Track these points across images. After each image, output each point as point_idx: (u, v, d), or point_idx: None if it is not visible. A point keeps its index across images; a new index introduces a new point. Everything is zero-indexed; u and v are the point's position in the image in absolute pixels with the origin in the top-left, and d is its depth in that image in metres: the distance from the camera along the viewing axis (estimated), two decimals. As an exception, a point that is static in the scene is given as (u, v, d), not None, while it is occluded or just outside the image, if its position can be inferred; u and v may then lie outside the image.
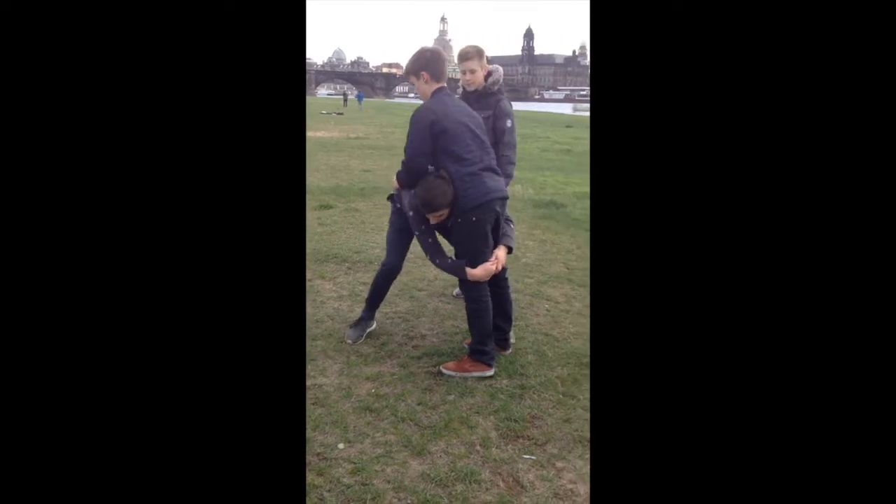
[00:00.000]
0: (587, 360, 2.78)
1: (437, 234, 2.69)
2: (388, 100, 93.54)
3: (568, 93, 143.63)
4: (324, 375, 2.61)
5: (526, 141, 14.25)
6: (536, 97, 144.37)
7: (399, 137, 14.07)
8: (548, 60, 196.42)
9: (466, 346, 2.84)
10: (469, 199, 2.47)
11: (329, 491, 1.85)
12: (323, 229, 5.26)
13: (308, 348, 2.84)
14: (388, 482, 1.90)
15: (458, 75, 3.39)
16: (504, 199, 2.61)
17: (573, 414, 2.35)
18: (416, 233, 2.65)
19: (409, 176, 2.58)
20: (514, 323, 2.93)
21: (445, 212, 2.53)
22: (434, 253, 2.62)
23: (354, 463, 1.99)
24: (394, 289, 3.73)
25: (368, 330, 3.04)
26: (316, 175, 8.55)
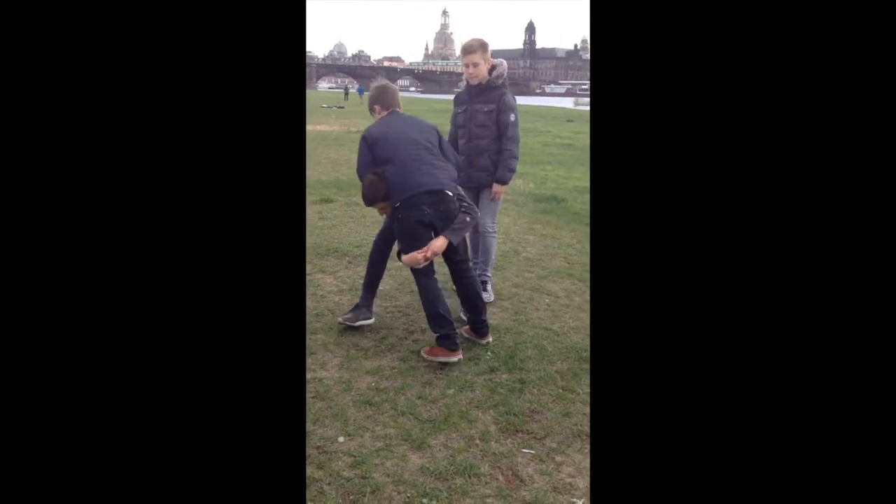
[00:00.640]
0: (587, 354, 2.79)
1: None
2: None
3: (569, 87, 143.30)
4: (324, 369, 2.62)
5: (527, 135, 14.20)
6: (538, 91, 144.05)
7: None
8: (549, 54, 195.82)
9: (465, 333, 2.94)
10: (395, 195, 2.70)
11: (329, 484, 1.85)
12: (323, 223, 5.26)
13: (308, 342, 2.85)
14: (388, 475, 1.91)
15: (462, 69, 3.40)
16: (434, 192, 2.67)
17: (572, 408, 2.35)
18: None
19: (362, 184, 2.85)
20: (483, 312, 2.91)
21: (384, 204, 2.81)
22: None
23: (354, 456, 2.00)
24: (394, 283, 3.75)
25: (365, 322, 3.05)
26: (317, 169, 8.55)
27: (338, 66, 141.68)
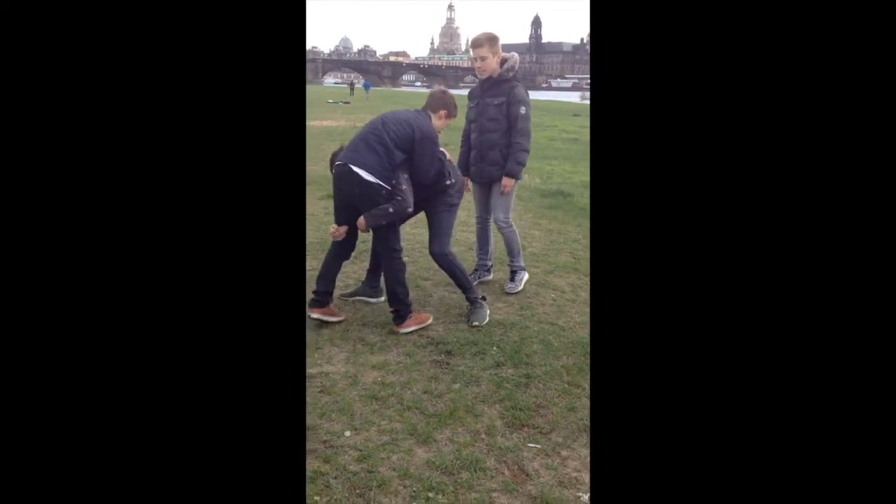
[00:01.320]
0: (593, 349, 2.78)
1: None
2: (394, 88, 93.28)
3: (576, 81, 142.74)
4: (330, 363, 2.63)
5: (533, 129, 14.14)
6: (544, 85, 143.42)
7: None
8: (556, 49, 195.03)
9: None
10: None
11: (335, 478, 1.86)
12: (329, 219, 5.25)
13: (314, 337, 2.86)
14: (394, 469, 1.92)
15: (469, 63, 3.40)
16: (342, 168, 2.84)
17: (578, 403, 2.36)
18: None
19: None
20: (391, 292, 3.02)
21: None
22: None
23: (360, 450, 2.01)
24: (400, 278, 3.75)
25: (371, 300, 3.37)
26: (322, 164, 8.53)
27: (343, 61, 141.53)
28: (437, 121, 3.06)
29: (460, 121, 3.57)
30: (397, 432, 2.12)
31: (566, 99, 50.20)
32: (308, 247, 4.38)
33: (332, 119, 17.31)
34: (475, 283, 3.65)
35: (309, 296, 3.02)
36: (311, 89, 55.12)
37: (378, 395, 2.36)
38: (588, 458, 2.01)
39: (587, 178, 7.98)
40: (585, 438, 2.13)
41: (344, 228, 2.99)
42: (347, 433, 2.11)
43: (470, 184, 3.61)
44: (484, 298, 3.26)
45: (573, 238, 4.91)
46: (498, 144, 3.39)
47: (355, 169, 2.81)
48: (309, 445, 2.00)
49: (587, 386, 2.49)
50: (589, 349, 2.81)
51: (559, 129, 16.52)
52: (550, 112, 24.81)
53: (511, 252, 3.60)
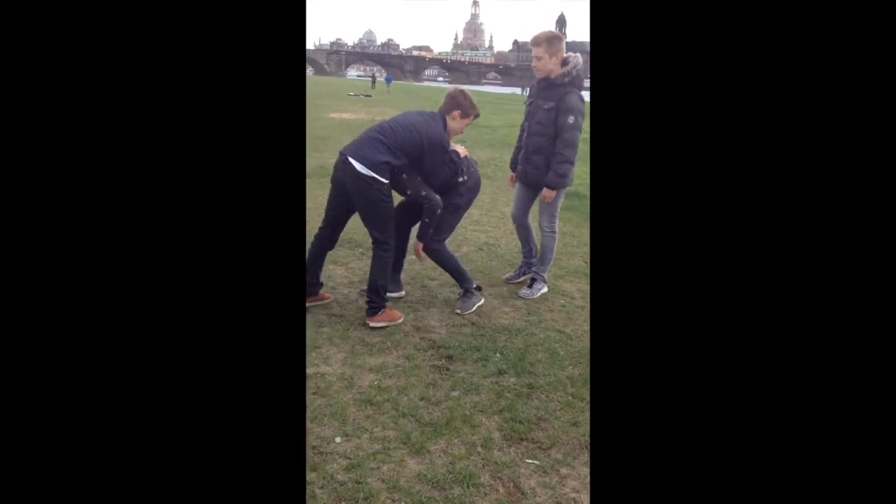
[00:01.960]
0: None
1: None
2: (416, 83, 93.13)
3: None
4: (327, 364, 2.55)
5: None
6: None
7: (424, 121, 13.89)
8: (580, 48, 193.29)
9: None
10: None
11: (321, 488, 1.79)
12: (340, 212, 5.20)
13: (313, 335, 2.79)
14: (383, 481, 1.83)
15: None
16: (336, 164, 2.90)
17: (581, 417, 2.25)
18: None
19: None
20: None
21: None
22: None
23: (350, 459, 1.92)
24: (405, 277, 3.67)
25: (391, 293, 3.26)
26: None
27: (366, 55, 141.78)
28: (451, 122, 2.99)
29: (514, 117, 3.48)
30: (390, 441, 2.04)
31: (589, 98, 49.54)
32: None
33: (351, 112, 17.27)
34: (518, 279, 3.57)
35: None
36: (333, 81, 55.29)
37: (373, 400, 2.28)
38: (588, 478, 1.91)
39: (605, 181, 7.81)
40: (587, 456, 2.02)
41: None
42: (338, 439, 2.03)
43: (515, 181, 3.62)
44: (479, 288, 3.32)
45: (586, 241, 4.78)
46: (543, 149, 3.28)
47: (351, 160, 2.80)
48: (297, 451, 1.92)
49: (592, 399, 2.38)
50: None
51: (579, 129, 16.27)
52: (572, 111, 24.49)
53: (543, 259, 3.50)
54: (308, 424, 2.09)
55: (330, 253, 4.08)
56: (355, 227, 4.74)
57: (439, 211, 2.97)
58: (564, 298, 3.51)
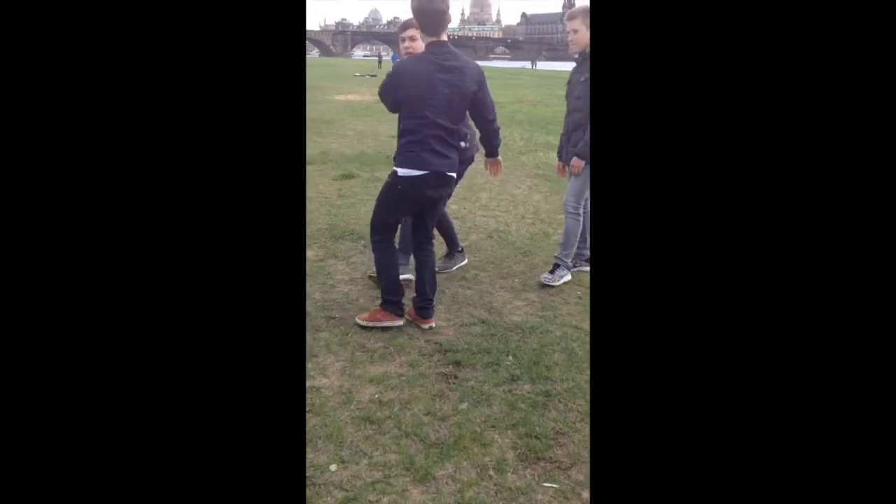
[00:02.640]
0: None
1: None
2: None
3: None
4: (324, 375, 2.34)
5: (562, 102, 13.58)
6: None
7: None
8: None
9: (408, 315, 2.81)
10: (401, 164, 2.55)
11: (313, 528, 1.58)
12: (342, 202, 4.97)
13: (310, 342, 2.58)
14: (383, 517, 1.62)
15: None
16: (439, 175, 2.56)
17: (604, 430, 2.02)
18: None
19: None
20: (436, 294, 2.84)
21: None
22: None
23: (346, 490, 1.72)
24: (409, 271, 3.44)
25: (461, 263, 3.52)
26: (341, 141, 8.25)
27: (372, 34, 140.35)
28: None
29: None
30: (391, 466, 1.82)
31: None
32: (316, 233, 4.10)
33: (357, 93, 16.95)
34: (571, 270, 3.39)
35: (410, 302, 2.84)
36: (338, 62, 54.71)
37: (373, 417, 2.07)
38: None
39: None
40: (612, 478, 1.80)
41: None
42: (333, 467, 1.82)
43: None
44: (461, 250, 3.52)
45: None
46: (582, 125, 3.12)
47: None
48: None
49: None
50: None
51: (591, 101, 15.83)
52: (582, 84, 23.94)
53: (566, 242, 3.30)
54: (301, 449, 1.89)
55: (331, 246, 3.89)
56: (358, 216, 4.53)
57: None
58: (581, 289, 3.27)
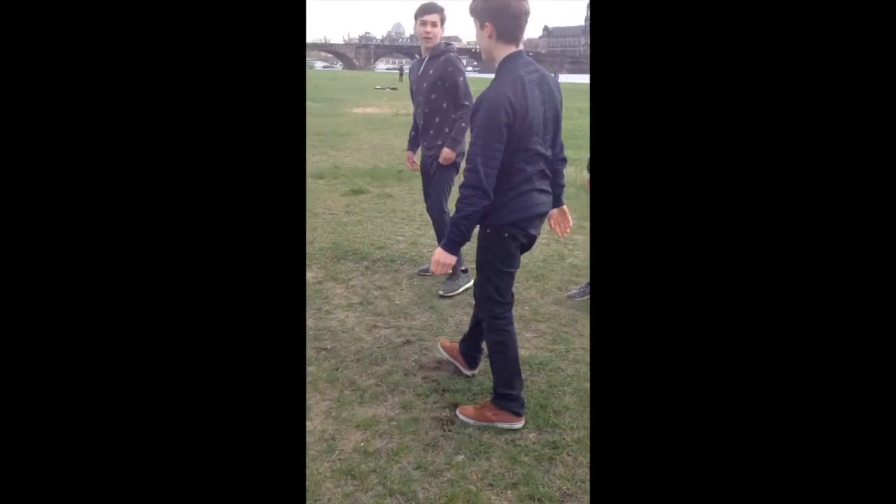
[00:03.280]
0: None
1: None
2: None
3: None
4: (307, 418, 2.11)
5: (583, 116, 13.32)
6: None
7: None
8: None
9: (445, 350, 2.46)
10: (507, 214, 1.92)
11: None
12: (349, 219, 4.78)
13: (296, 377, 2.36)
14: None
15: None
16: (545, 214, 2.06)
17: (619, 492, 1.76)
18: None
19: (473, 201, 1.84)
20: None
21: None
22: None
23: (316, 564, 1.48)
24: (412, 296, 3.23)
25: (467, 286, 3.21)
26: (355, 155, 8.10)
27: (395, 47, 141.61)
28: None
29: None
30: (371, 534, 1.59)
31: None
32: (317, 253, 3.90)
33: (375, 106, 16.87)
34: (585, 296, 3.16)
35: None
36: (361, 75, 55.12)
37: (356, 471, 1.83)
38: None
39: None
40: (626, 555, 1.54)
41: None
42: (304, 533, 1.59)
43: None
44: (465, 270, 3.24)
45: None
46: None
47: None
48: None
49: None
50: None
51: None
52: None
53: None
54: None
55: (331, 267, 3.68)
56: (364, 234, 4.32)
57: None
58: (597, 319, 3.00)
